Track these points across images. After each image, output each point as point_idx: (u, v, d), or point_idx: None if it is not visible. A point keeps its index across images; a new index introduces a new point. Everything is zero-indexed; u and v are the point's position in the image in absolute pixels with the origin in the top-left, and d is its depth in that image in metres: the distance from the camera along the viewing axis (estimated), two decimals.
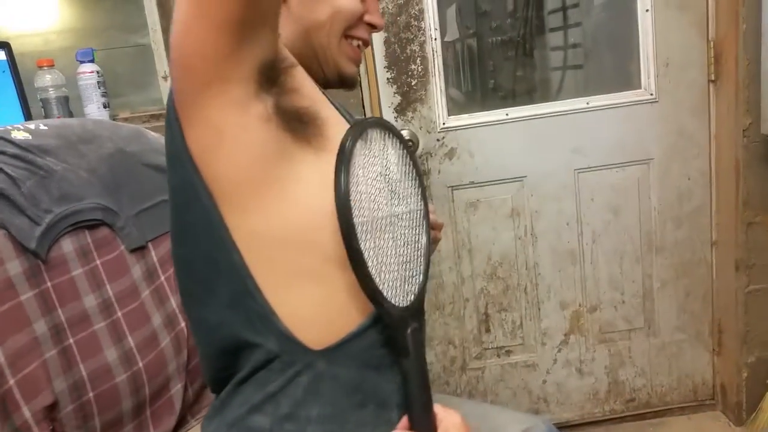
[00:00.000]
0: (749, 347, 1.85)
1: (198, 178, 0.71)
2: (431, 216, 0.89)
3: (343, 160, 0.65)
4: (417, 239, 0.76)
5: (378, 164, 0.71)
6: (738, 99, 1.71)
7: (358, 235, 0.65)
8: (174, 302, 1.19)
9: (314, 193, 0.71)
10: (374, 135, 0.72)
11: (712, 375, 1.99)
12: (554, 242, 1.88)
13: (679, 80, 1.78)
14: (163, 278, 1.19)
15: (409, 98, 1.77)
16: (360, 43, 0.90)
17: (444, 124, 1.79)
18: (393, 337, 0.72)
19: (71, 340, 1.01)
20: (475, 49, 2.21)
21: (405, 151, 0.77)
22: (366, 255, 0.66)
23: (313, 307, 0.74)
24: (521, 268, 1.90)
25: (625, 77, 1.87)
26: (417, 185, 0.78)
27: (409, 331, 0.71)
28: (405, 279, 0.72)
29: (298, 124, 0.71)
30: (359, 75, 0.93)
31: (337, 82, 0.90)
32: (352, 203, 0.65)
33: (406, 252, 0.73)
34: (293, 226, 0.71)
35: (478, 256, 1.88)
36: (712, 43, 1.75)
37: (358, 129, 0.69)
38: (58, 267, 1.01)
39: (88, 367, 1.03)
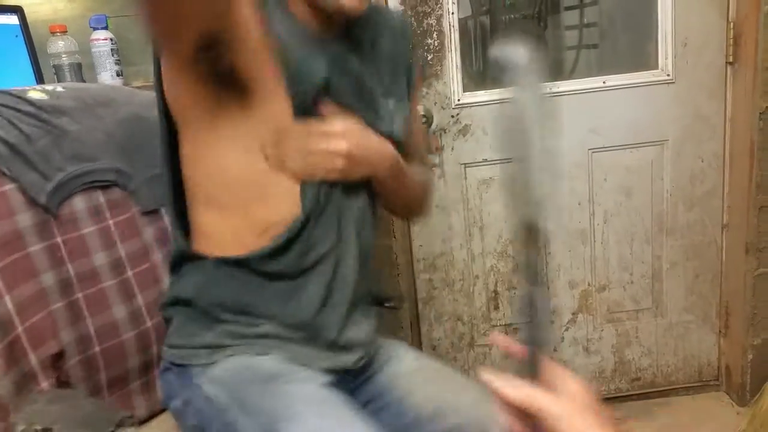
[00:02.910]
0: (756, 329, 1.79)
1: (163, 104, 0.90)
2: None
3: None
4: None
5: None
6: (756, 82, 1.63)
7: None
8: None
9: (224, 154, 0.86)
10: None
11: (718, 356, 1.93)
12: (566, 221, 1.80)
13: (697, 61, 1.70)
14: None
15: (423, 73, 1.69)
16: None
17: (459, 100, 1.71)
18: None
19: (79, 295, 0.97)
20: (487, 26, 2.12)
21: None
22: None
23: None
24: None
25: (642, 57, 1.79)
26: None
27: None
28: None
29: (226, 85, 0.81)
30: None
31: (336, 12, 0.84)
32: None
33: None
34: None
35: (489, 234, 1.81)
36: (732, 24, 1.67)
37: None
38: (69, 223, 0.97)
39: (96, 322, 0.98)
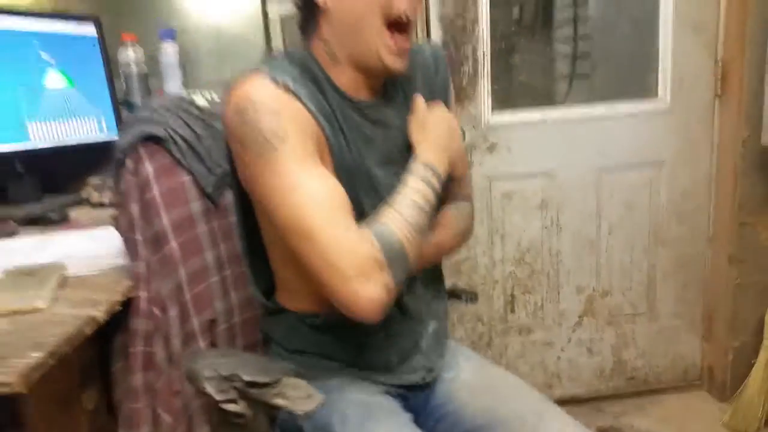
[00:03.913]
0: (735, 333, 2.01)
1: (234, 175, 0.93)
2: None
3: None
4: None
5: None
6: (740, 113, 1.87)
7: None
8: None
9: None
10: None
11: (701, 358, 2.13)
12: (575, 232, 1.99)
13: (690, 94, 1.94)
14: None
15: (459, 96, 1.86)
16: (405, 15, 0.88)
17: (488, 121, 1.88)
18: None
19: (227, 272, 1.08)
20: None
21: None
22: None
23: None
24: (545, 254, 2.00)
25: (645, 89, 2.00)
26: None
27: None
28: None
29: None
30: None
31: (385, 74, 0.94)
32: None
33: None
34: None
35: (509, 242, 1.98)
36: (720, 63, 1.91)
37: None
38: (223, 212, 1.11)
39: (238, 297, 1.11)
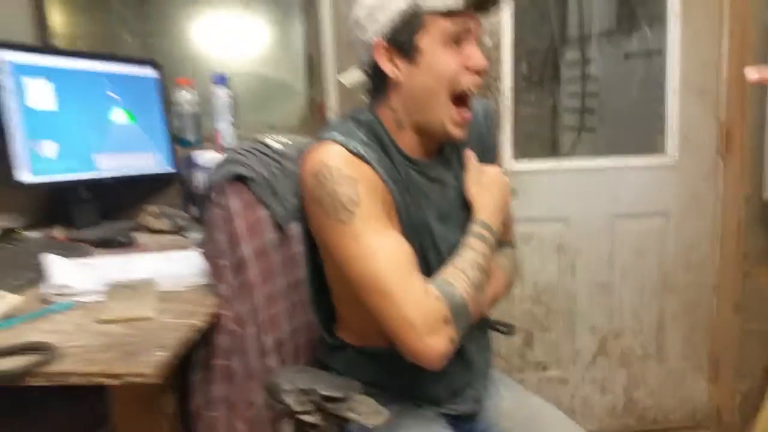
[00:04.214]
0: (742, 377, 2.11)
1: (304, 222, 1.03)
2: None
3: None
4: None
5: None
6: (742, 171, 2.02)
7: None
8: None
9: None
10: None
11: (708, 400, 2.23)
12: (590, 275, 2.12)
13: (696, 151, 2.09)
14: None
15: None
16: (469, 90, 0.97)
17: (510, 168, 2.02)
18: None
19: (295, 297, 1.19)
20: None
21: None
22: None
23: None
24: (562, 295, 2.12)
25: (655, 145, 2.16)
26: None
27: None
28: None
29: None
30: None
31: (446, 140, 1.03)
32: None
33: None
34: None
35: (528, 282, 2.09)
36: (723, 124, 2.07)
37: None
38: (291, 242, 1.23)
39: (301, 320, 1.23)
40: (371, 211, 0.91)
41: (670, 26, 2.03)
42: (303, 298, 1.22)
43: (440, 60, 0.93)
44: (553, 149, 3.06)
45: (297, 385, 0.96)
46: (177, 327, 0.93)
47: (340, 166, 0.91)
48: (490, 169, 1.08)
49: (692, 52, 2.03)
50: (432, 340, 0.87)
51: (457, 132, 0.99)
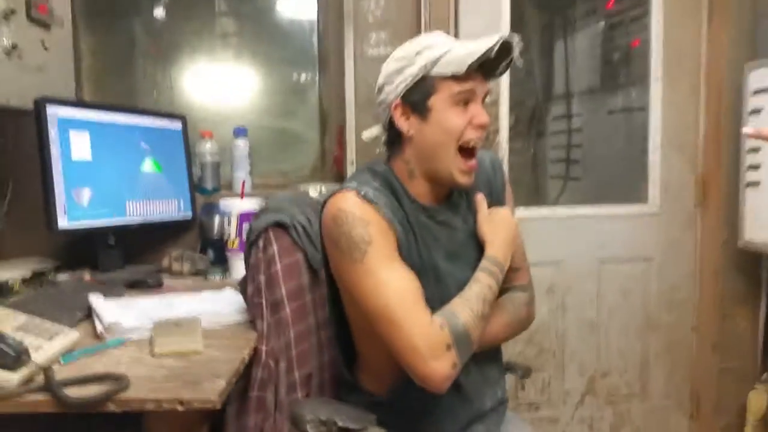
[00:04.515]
0: (720, 413, 2.24)
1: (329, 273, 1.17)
2: None
3: None
4: None
5: None
6: (718, 219, 2.19)
7: None
8: None
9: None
10: None
11: None
12: (579, 315, 2.26)
13: (676, 201, 2.26)
14: None
15: None
16: (474, 143, 1.09)
17: None
18: None
19: (322, 334, 1.31)
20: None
21: None
22: None
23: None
24: (552, 335, 2.25)
25: (638, 195, 2.32)
26: None
27: None
28: None
29: None
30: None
31: (454, 188, 1.16)
32: None
33: None
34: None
35: None
36: (700, 176, 2.24)
37: None
38: (322, 284, 1.32)
39: (328, 356, 1.34)
40: (382, 250, 1.04)
41: (653, 88, 2.22)
42: (329, 336, 1.34)
43: (448, 117, 1.07)
44: (538, 197, 3.22)
45: (318, 415, 1.07)
46: (226, 359, 1.05)
47: (354, 210, 1.05)
48: (499, 210, 1.20)
49: (673, 111, 2.22)
50: (436, 365, 0.98)
51: (464, 180, 1.11)
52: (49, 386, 0.89)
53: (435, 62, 1.06)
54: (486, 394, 1.23)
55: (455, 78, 1.06)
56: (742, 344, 2.20)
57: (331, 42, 2.15)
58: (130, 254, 1.93)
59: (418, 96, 1.09)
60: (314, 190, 1.41)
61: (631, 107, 2.54)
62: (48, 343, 1.01)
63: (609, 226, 2.25)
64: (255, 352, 1.19)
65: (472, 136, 1.08)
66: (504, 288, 1.21)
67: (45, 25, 1.72)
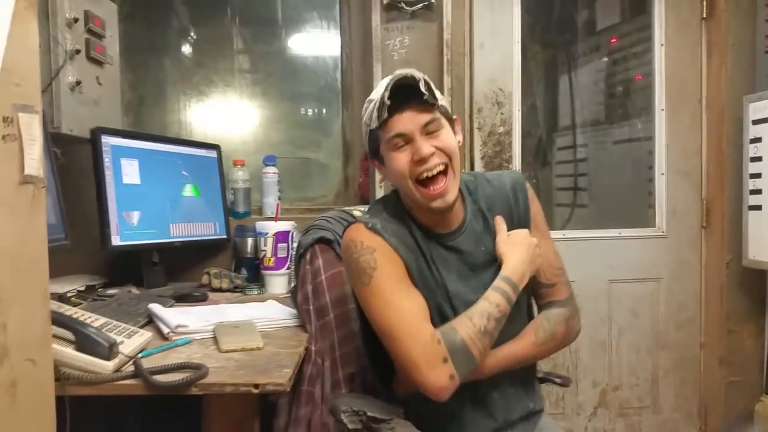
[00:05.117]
0: (728, 426, 2.32)
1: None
2: None
3: None
4: None
5: None
6: (722, 241, 2.31)
7: None
8: None
9: None
10: None
11: None
12: (591, 333, 2.36)
13: (682, 224, 2.39)
14: None
15: None
16: (425, 174, 1.14)
17: None
18: None
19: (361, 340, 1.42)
20: None
21: None
22: None
23: None
24: (566, 351, 2.35)
25: (646, 219, 2.45)
26: None
27: None
28: None
29: None
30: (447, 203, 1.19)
31: (438, 212, 1.18)
32: None
33: None
34: None
35: None
36: (704, 201, 2.38)
37: None
38: None
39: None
40: (387, 274, 1.14)
41: (657, 118, 2.38)
42: (358, 345, 1.44)
43: (392, 162, 1.17)
44: (549, 224, 3.33)
45: (351, 407, 1.19)
46: (286, 354, 1.18)
47: (363, 239, 1.17)
48: (519, 232, 1.24)
49: (676, 140, 2.37)
50: (433, 376, 1.06)
51: (435, 204, 1.16)
52: (140, 373, 1.01)
53: (370, 117, 1.17)
54: (514, 409, 1.27)
55: (381, 128, 1.15)
56: (747, 359, 2.30)
57: (356, 77, 2.31)
58: (170, 272, 2.06)
59: (373, 148, 1.22)
60: (357, 210, 1.55)
61: (634, 137, 2.68)
62: (128, 340, 1.13)
63: (618, 249, 2.37)
64: (306, 351, 1.31)
65: (419, 169, 1.14)
66: (542, 305, 1.29)
67: (99, 63, 1.88)
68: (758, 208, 2.09)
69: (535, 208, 1.33)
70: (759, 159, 2.07)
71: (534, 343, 1.23)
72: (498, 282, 1.17)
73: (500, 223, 1.26)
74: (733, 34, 2.24)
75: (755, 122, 2.08)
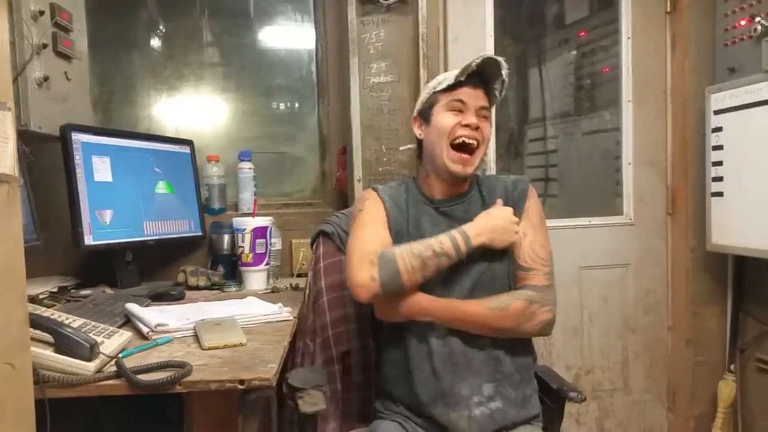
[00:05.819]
0: (695, 404, 2.38)
1: None
2: None
3: None
4: None
5: None
6: (687, 228, 2.36)
7: None
8: None
9: None
10: None
11: (667, 427, 2.49)
12: (563, 320, 2.39)
13: (648, 211, 2.43)
14: None
15: None
16: (463, 139, 1.33)
17: None
18: None
19: (367, 324, 1.51)
20: None
21: None
22: None
23: None
24: (539, 338, 2.37)
25: (614, 207, 2.49)
26: None
27: None
28: None
29: None
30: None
31: (451, 179, 1.38)
32: None
33: None
34: None
35: None
36: (670, 188, 2.42)
37: None
38: None
39: (372, 344, 1.53)
40: (368, 215, 1.38)
41: (624, 110, 2.41)
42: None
43: (442, 119, 1.36)
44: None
45: (290, 380, 1.27)
46: (270, 349, 1.17)
47: (365, 195, 1.45)
48: (501, 207, 1.37)
49: (643, 130, 2.40)
50: (358, 275, 1.25)
51: (455, 167, 1.35)
52: (123, 373, 0.99)
53: (439, 84, 1.39)
54: (466, 382, 1.30)
55: (449, 90, 1.36)
56: (711, 339, 2.36)
57: (331, 70, 2.28)
58: (145, 271, 2.02)
59: (425, 108, 1.41)
60: None
61: (602, 129, 2.72)
62: (108, 341, 1.11)
63: (588, 237, 2.41)
64: (297, 330, 1.43)
65: (460, 132, 1.34)
66: (517, 287, 1.36)
67: (68, 58, 1.82)
68: (720, 194, 2.13)
69: (532, 203, 1.44)
70: (720, 148, 2.12)
71: (489, 307, 1.30)
72: (455, 232, 1.31)
73: (498, 203, 1.39)
74: (695, 28, 2.28)
75: (716, 112, 2.13)
